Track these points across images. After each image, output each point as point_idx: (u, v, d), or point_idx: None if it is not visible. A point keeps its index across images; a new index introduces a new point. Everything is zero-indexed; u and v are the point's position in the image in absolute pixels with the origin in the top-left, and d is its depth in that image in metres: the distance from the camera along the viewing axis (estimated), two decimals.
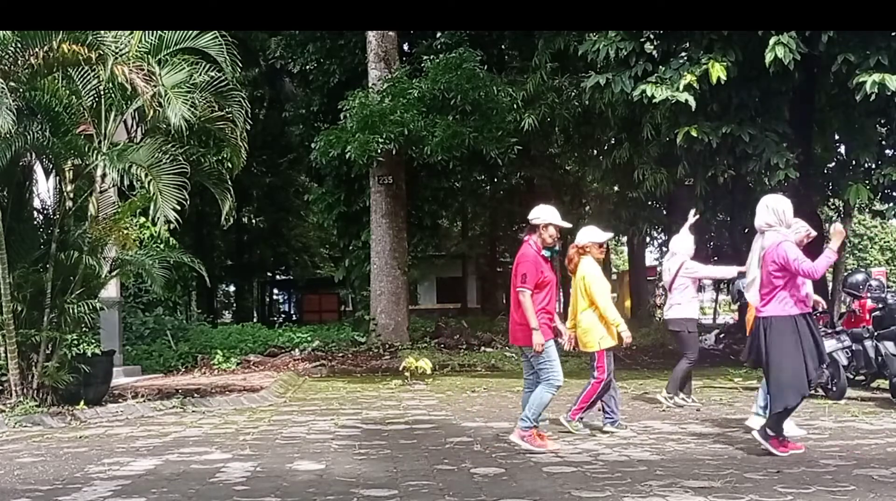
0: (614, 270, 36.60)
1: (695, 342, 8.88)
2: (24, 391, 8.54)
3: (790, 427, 6.55)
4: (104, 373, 9.45)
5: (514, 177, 24.10)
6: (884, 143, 14.49)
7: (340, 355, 16.21)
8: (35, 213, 9.39)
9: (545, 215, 6.44)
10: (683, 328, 8.74)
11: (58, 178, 9.09)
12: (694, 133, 11.76)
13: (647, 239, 27.12)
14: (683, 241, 8.99)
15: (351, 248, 20.19)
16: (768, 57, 10.50)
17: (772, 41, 10.46)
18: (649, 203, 18.66)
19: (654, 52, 11.99)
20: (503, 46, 20.01)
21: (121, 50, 8.58)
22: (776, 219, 5.90)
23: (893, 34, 10.77)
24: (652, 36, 12.07)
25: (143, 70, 8.28)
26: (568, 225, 6.72)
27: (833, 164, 16.76)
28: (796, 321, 5.81)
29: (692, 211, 9.38)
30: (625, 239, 28.88)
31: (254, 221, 32.56)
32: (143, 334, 15.74)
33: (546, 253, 6.43)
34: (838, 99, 13.77)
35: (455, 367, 14.08)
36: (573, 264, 7.06)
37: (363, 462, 5.91)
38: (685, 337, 8.76)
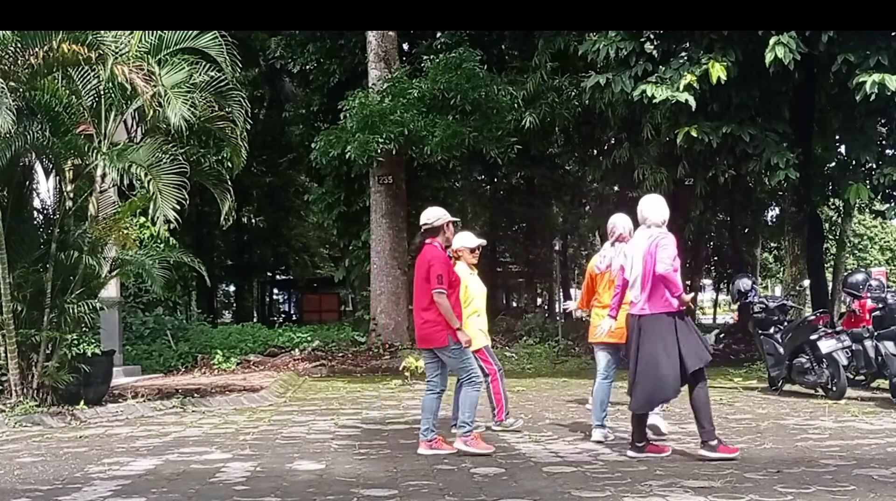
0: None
1: None
2: (24, 390, 8.54)
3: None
4: (104, 373, 9.45)
5: (514, 177, 24.05)
6: (884, 143, 14.48)
7: (340, 355, 16.21)
8: (35, 213, 9.38)
9: (443, 214, 6.31)
10: None
11: (58, 178, 9.09)
12: (694, 133, 11.77)
13: None
14: None
15: (351, 248, 20.18)
16: (768, 57, 10.51)
17: (772, 41, 10.47)
18: None
19: (654, 52, 11.99)
20: (503, 46, 19.97)
21: (121, 50, 8.57)
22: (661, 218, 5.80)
23: (893, 34, 10.78)
24: (652, 36, 12.06)
25: (143, 70, 8.28)
26: (457, 219, 6.60)
27: (833, 164, 16.74)
28: (674, 320, 5.67)
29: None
30: None
31: (254, 221, 32.52)
32: (143, 334, 15.75)
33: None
34: (838, 99, 13.76)
35: None
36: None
37: (363, 462, 5.91)
38: None
